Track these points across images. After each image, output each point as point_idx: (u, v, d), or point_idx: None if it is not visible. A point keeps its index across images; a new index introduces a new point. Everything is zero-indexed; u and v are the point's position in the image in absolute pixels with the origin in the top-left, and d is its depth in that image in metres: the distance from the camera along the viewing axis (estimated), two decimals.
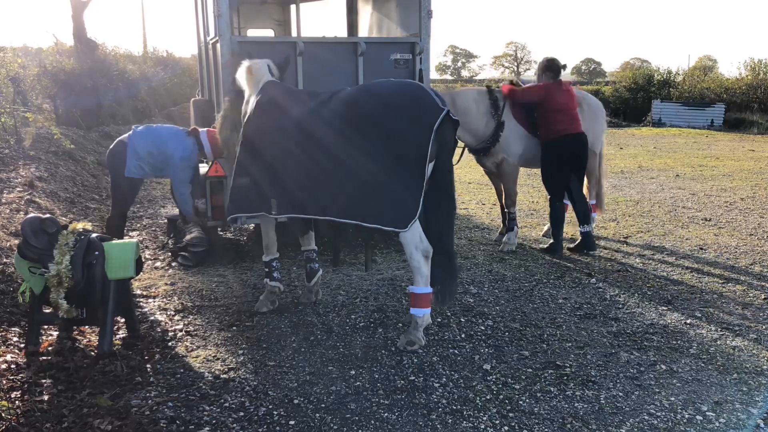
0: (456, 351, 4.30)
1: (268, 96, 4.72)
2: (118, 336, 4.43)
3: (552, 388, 3.78)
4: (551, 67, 6.53)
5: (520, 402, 3.63)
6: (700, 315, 4.97)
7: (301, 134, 4.40)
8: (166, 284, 5.77)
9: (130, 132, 5.98)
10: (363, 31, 8.58)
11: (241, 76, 4.96)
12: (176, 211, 7.39)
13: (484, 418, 3.45)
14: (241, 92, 5.01)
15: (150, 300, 5.33)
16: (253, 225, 7.18)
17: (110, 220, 6.23)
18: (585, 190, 7.48)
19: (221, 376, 3.92)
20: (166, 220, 7.54)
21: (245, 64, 4.96)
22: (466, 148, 7.03)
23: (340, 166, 4.23)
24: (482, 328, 4.72)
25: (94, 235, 4.21)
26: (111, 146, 6.07)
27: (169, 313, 5.03)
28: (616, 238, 7.38)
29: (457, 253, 4.49)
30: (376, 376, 3.93)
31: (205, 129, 6.17)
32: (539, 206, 9.27)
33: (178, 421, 3.38)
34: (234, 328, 4.73)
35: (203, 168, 6.73)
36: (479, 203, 9.61)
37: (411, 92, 4.20)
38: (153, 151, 5.85)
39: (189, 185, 6.04)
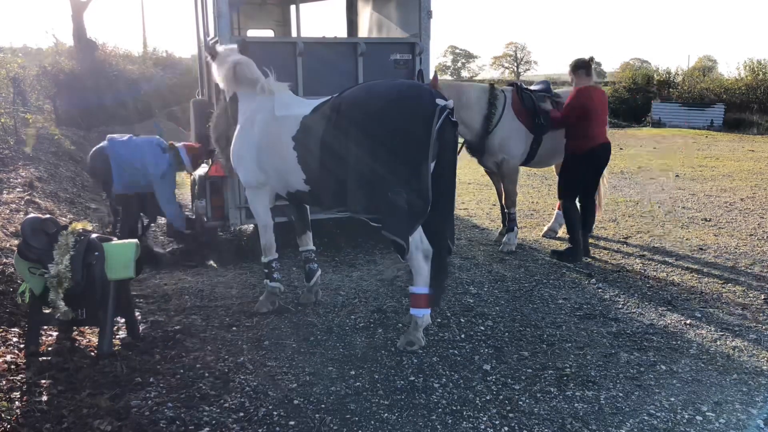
0: (456, 351, 4.30)
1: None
2: (117, 336, 4.43)
3: (552, 389, 3.78)
4: (579, 65, 6.40)
5: (520, 402, 3.62)
6: (699, 315, 4.97)
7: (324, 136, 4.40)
8: (166, 285, 5.77)
9: (105, 143, 6.08)
10: (363, 32, 8.58)
11: (227, 72, 4.95)
12: None
13: (484, 419, 3.45)
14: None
15: (150, 300, 5.32)
16: (252, 225, 7.18)
17: (123, 223, 6.39)
18: None
19: (221, 376, 3.91)
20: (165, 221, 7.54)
21: (229, 61, 4.96)
22: (465, 147, 7.04)
23: (343, 166, 4.24)
24: (482, 328, 4.72)
25: (94, 235, 4.21)
26: (90, 154, 6.18)
27: (169, 313, 5.03)
28: (615, 239, 7.38)
29: (451, 253, 4.49)
30: (376, 377, 3.93)
31: (182, 143, 6.34)
32: (539, 207, 9.28)
33: (177, 422, 3.38)
34: (234, 328, 4.73)
35: (203, 168, 6.74)
36: (479, 203, 9.61)
37: (411, 92, 4.19)
38: (136, 166, 6.04)
39: (174, 201, 6.21)
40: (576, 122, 6.24)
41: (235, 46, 5.14)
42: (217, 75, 5.09)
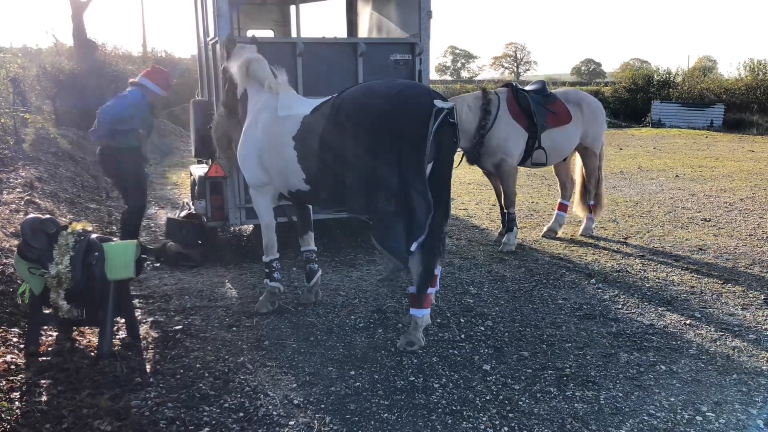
0: (456, 351, 4.30)
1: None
2: (117, 337, 4.43)
3: (552, 389, 3.78)
4: None
5: (520, 402, 3.62)
6: (699, 315, 4.97)
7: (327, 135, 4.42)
8: (166, 285, 5.77)
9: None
10: (363, 32, 8.58)
11: (240, 68, 5.01)
12: (176, 212, 7.43)
13: (484, 419, 3.45)
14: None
15: (150, 300, 5.33)
16: (252, 225, 7.18)
17: (124, 215, 6.38)
18: (579, 193, 7.50)
19: (221, 376, 3.92)
20: (165, 220, 7.54)
21: (244, 57, 5.03)
22: (464, 157, 7.04)
23: (342, 165, 4.23)
24: (482, 328, 4.72)
25: (94, 235, 4.21)
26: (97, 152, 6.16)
27: (169, 313, 5.03)
28: (615, 239, 7.38)
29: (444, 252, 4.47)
30: (376, 377, 3.93)
31: (142, 74, 6.25)
32: (539, 207, 9.28)
33: (177, 422, 3.38)
34: (234, 328, 4.73)
35: (203, 168, 6.74)
36: (479, 203, 9.61)
37: (410, 92, 4.18)
38: (116, 115, 5.89)
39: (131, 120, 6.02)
40: None
41: (253, 46, 5.26)
42: (232, 69, 5.14)
